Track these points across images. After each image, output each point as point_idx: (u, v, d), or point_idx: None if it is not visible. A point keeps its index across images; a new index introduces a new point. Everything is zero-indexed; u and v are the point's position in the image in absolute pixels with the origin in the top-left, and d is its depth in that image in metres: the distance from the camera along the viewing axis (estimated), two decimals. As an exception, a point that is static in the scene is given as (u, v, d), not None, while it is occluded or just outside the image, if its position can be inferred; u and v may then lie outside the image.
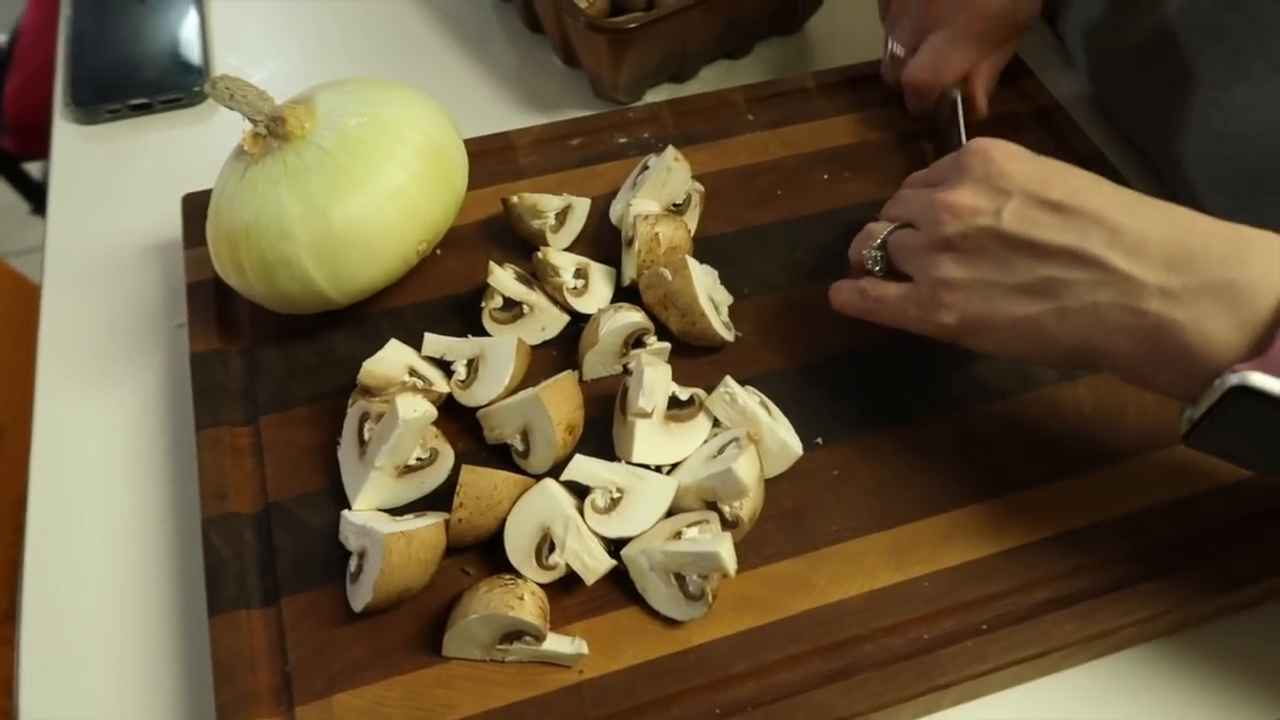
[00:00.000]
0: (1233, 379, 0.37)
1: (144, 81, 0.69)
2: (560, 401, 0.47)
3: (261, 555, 0.46)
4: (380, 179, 0.49)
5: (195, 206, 0.58)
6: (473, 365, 0.50)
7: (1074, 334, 0.41)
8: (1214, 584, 0.45)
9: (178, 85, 0.69)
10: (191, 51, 0.71)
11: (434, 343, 0.50)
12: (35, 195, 1.29)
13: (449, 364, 0.50)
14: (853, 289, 0.49)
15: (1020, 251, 0.42)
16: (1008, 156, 0.45)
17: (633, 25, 0.61)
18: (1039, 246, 0.42)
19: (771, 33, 0.73)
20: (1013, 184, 0.43)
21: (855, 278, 0.50)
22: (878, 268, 0.48)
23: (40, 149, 0.74)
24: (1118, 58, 0.64)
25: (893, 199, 0.50)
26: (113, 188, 0.65)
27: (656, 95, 0.69)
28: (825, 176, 0.60)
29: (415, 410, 0.45)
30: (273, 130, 0.50)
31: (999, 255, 0.43)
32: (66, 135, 0.68)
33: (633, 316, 0.51)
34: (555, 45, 0.69)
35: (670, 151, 0.56)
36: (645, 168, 0.57)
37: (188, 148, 0.67)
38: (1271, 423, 0.37)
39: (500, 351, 0.49)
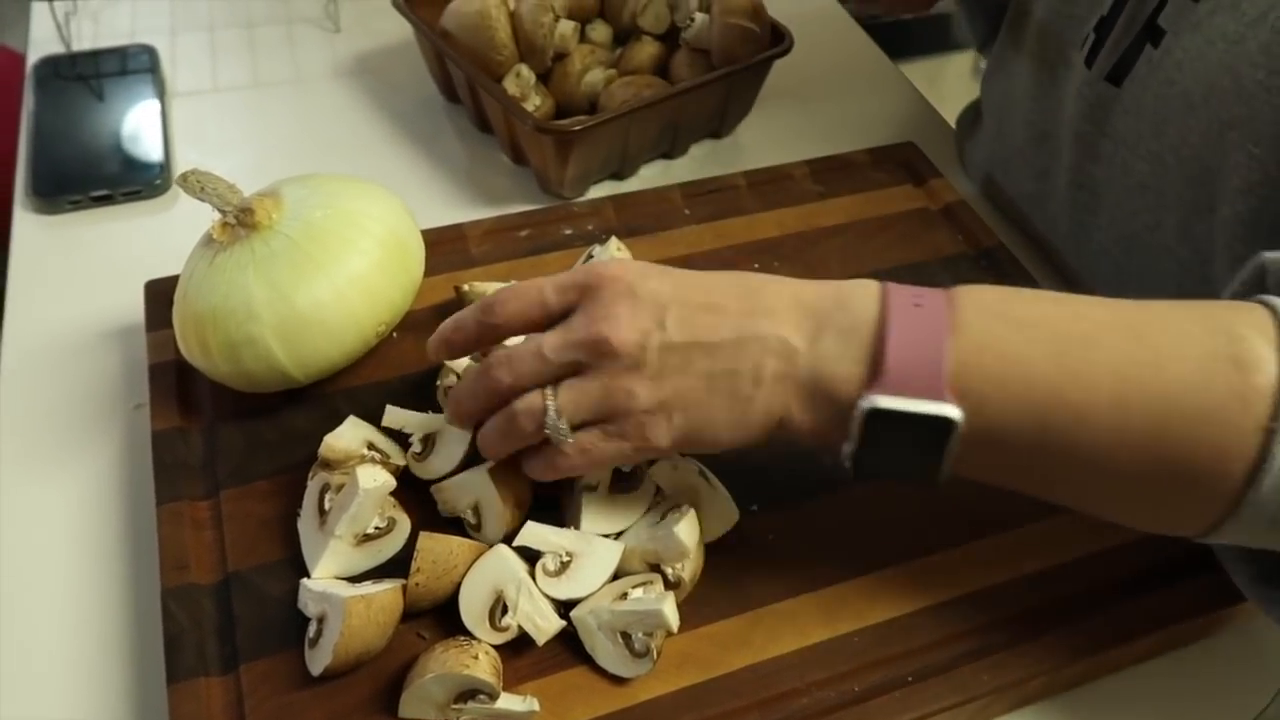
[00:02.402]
0: (864, 405, 0.41)
1: (106, 174, 0.72)
2: (509, 478, 0.50)
3: (221, 624, 0.47)
4: (343, 265, 0.52)
5: (158, 292, 0.60)
6: (429, 440, 0.53)
7: (763, 409, 0.44)
8: (1113, 636, 0.49)
9: (139, 178, 0.71)
10: (153, 146, 0.74)
11: (394, 415, 0.53)
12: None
13: (406, 437, 0.53)
14: (544, 462, 0.47)
15: (697, 354, 0.43)
16: (640, 275, 0.45)
17: (577, 128, 0.66)
18: (710, 345, 0.43)
19: (705, 136, 0.79)
20: (660, 298, 0.44)
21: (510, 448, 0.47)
22: (567, 436, 0.45)
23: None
24: (1006, 160, 0.71)
25: (504, 360, 0.46)
26: (72, 275, 0.66)
27: (599, 191, 0.74)
28: (756, 266, 0.65)
29: (375, 480, 0.48)
30: (241, 220, 0.53)
31: (679, 365, 0.44)
32: (27, 224, 0.70)
33: (580, 393, 0.54)
34: (504, 145, 0.74)
35: (613, 241, 0.61)
36: (590, 256, 0.62)
37: (146, 237, 0.69)
38: (908, 434, 0.42)
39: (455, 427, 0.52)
